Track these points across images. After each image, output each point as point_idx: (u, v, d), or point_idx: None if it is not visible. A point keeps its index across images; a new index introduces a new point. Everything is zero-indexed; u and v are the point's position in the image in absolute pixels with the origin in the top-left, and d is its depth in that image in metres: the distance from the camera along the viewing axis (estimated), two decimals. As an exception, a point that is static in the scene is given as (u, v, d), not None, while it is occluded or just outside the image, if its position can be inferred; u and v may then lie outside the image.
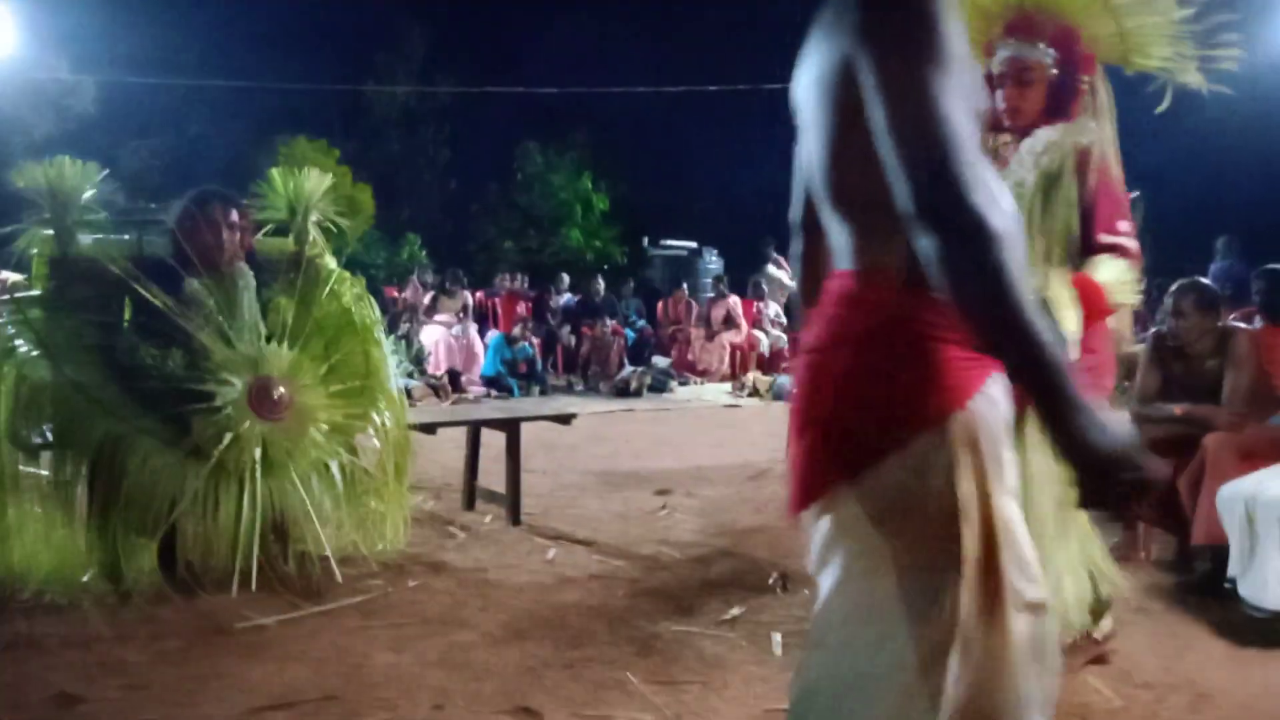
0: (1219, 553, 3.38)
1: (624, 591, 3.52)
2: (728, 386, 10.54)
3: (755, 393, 10.04)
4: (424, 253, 17.27)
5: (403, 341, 9.23)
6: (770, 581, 3.61)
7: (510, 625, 3.13)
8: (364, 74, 19.03)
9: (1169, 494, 3.73)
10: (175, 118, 16.81)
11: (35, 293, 3.48)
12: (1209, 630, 3.16)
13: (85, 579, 3.23)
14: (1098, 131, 2.68)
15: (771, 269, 12.64)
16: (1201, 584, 3.54)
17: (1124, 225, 2.66)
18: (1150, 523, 4.04)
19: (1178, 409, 3.92)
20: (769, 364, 11.34)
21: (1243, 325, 4.36)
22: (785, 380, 9.79)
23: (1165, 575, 3.85)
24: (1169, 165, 15.31)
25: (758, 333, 11.73)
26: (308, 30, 18.73)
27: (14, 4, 11.78)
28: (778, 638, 3.06)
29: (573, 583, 3.60)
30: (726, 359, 11.43)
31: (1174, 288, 4.22)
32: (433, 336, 10.15)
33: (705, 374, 11.27)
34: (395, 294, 11.99)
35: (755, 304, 12.08)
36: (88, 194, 3.54)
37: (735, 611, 3.31)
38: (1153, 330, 4.40)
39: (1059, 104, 2.69)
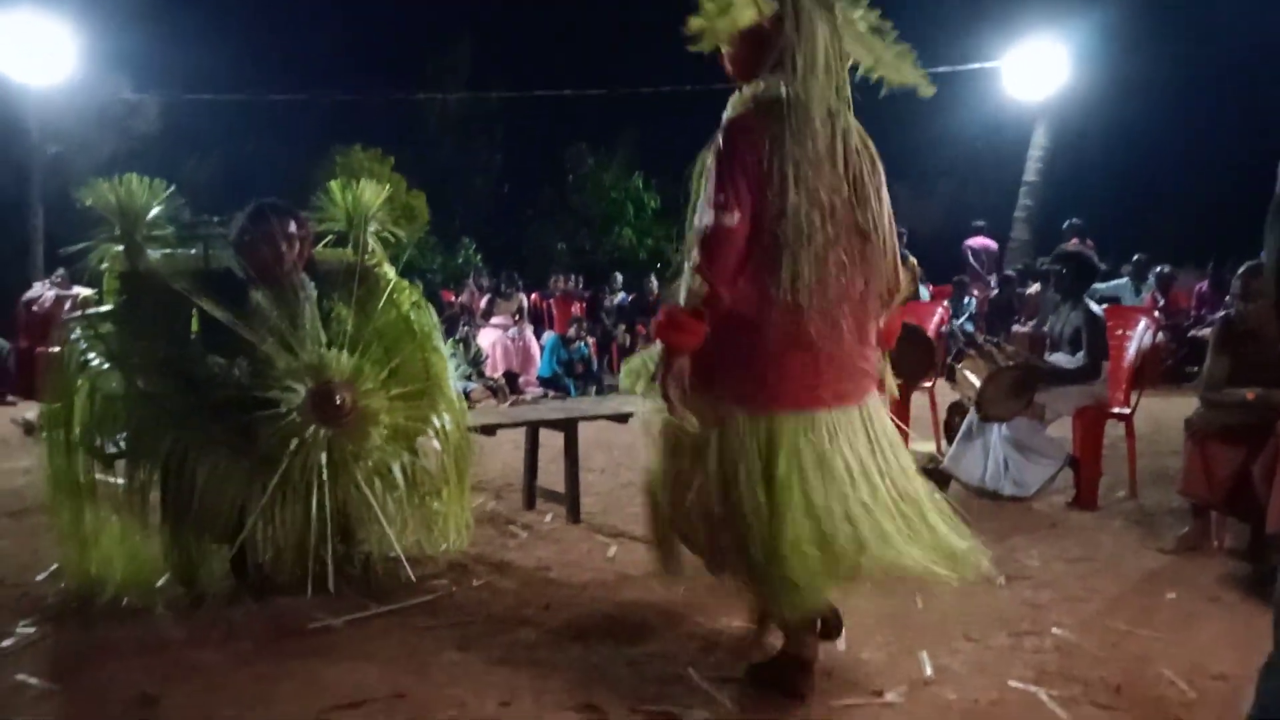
0: None
1: (685, 588, 3.52)
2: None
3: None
4: (479, 256, 17.42)
5: (460, 345, 9.34)
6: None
7: (573, 623, 3.15)
8: (415, 83, 19.25)
9: (1242, 481, 3.64)
10: (234, 133, 17.15)
11: (107, 308, 3.58)
12: (1287, 620, 3.07)
13: (160, 583, 3.33)
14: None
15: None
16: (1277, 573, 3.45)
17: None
18: (1223, 511, 3.94)
19: (1249, 394, 3.83)
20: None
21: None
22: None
23: (1239, 565, 3.75)
24: (1226, 144, 14.99)
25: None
26: (359, 43, 19.04)
27: (76, 27, 12.13)
28: (842, 633, 3.04)
29: (634, 580, 3.61)
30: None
31: (1242, 269, 4.12)
32: (489, 339, 10.26)
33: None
34: (452, 298, 12.13)
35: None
36: (155, 210, 3.63)
37: (797, 607, 3.30)
38: (1221, 314, 4.30)
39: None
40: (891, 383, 2.95)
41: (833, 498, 2.46)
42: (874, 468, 2.54)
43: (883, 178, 2.64)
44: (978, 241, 13.88)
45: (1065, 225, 12.85)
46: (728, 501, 2.49)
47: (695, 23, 2.57)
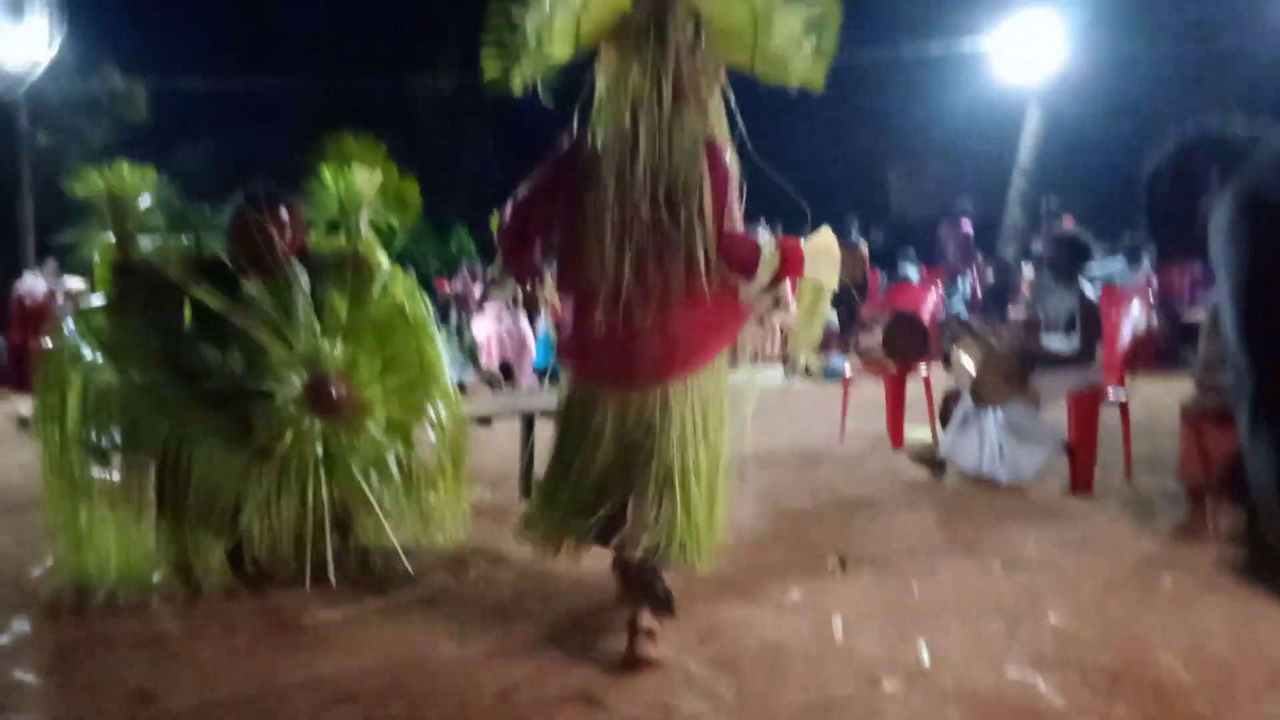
0: None
1: (683, 578, 3.52)
2: (779, 368, 10.46)
3: (808, 372, 9.96)
4: (473, 244, 17.36)
5: (455, 334, 9.32)
6: (829, 566, 3.59)
7: (571, 614, 3.15)
8: (406, 67, 19.14)
9: (1235, 465, 3.64)
10: (225, 120, 17.07)
11: (99, 300, 3.56)
12: (1283, 604, 3.09)
13: (156, 578, 3.31)
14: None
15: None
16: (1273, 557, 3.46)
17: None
18: (1219, 495, 3.95)
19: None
20: (822, 344, 11.22)
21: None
22: (838, 361, 9.71)
23: (1236, 549, 3.76)
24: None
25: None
26: (350, 27, 18.88)
27: (63, 14, 12.01)
28: (839, 621, 3.05)
29: (631, 570, 3.61)
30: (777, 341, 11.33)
31: None
32: (484, 329, 10.23)
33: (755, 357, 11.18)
34: (445, 286, 12.09)
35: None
36: (146, 198, 3.61)
37: (795, 596, 3.31)
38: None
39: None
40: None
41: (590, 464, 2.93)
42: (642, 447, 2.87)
43: (726, 184, 2.87)
44: (946, 228, 13.83)
45: (1043, 210, 12.93)
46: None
47: (493, 67, 2.93)
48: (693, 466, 2.87)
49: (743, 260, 2.87)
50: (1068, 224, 13.02)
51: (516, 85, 2.88)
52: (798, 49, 2.91)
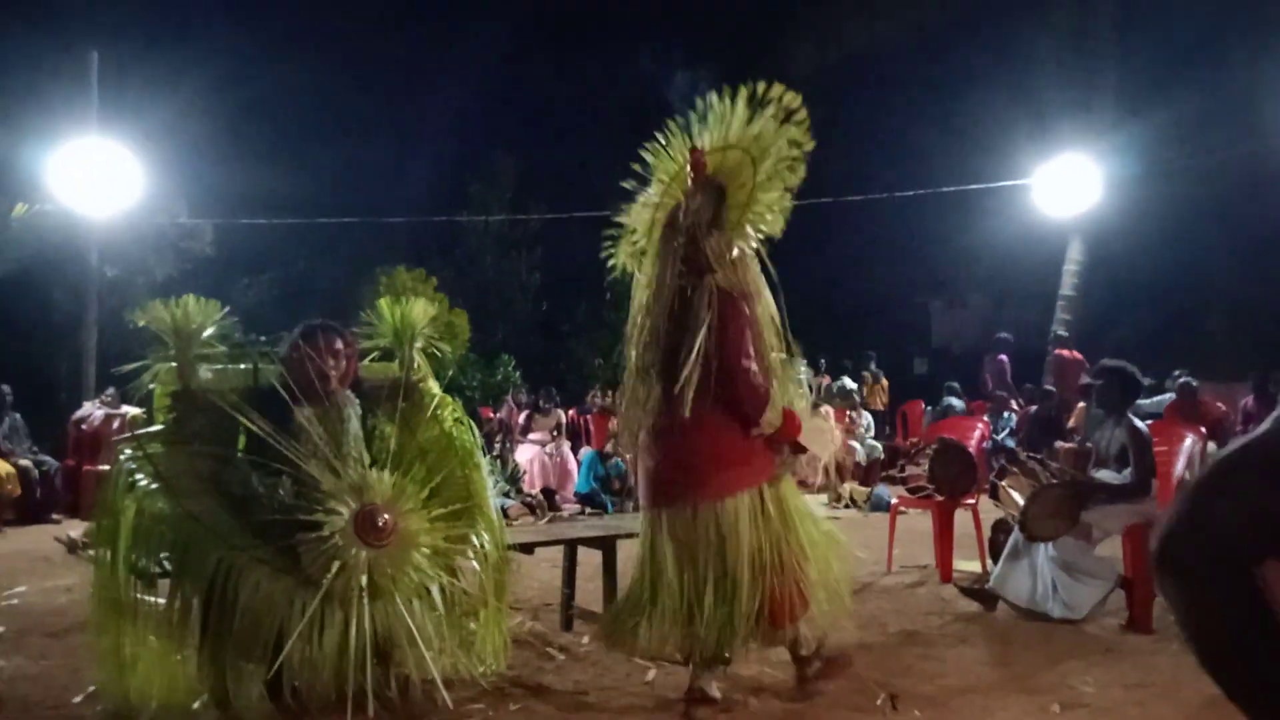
0: None
1: (726, 715, 3.44)
2: (824, 498, 10.35)
3: (852, 504, 9.85)
4: (518, 373, 17.59)
5: (499, 461, 9.37)
6: (879, 702, 3.48)
7: (612, 750, 3.08)
8: (459, 204, 19.85)
9: None
10: (283, 255, 17.68)
11: (156, 427, 3.65)
12: None
13: (196, 706, 3.29)
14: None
15: (846, 380, 12.71)
16: None
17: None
18: None
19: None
20: (865, 475, 11.12)
21: None
22: (883, 491, 9.58)
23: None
24: (1263, 258, 14.97)
25: (853, 443, 11.54)
26: (404, 164, 19.72)
27: (135, 154, 12.68)
28: (890, 764, 2.94)
29: (672, 704, 3.53)
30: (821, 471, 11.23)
31: None
32: (527, 455, 10.28)
33: (801, 485, 11.09)
34: (490, 414, 12.21)
35: (848, 413, 11.94)
36: (208, 329, 3.74)
37: (844, 734, 3.20)
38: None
39: None
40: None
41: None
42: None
43: (741, 332, 3.37)
44: (990, 359, 13.79)
45: (1050, 339, 12.92)
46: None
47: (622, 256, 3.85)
48: (746, 576, 3.32)
49: (747, 406, 3.37)
50: (1067, 352, 13.04)
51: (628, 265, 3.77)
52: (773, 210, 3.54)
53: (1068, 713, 3.46)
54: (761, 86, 3.42)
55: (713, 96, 3.44)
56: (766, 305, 3.51)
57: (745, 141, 3.44)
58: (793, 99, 3.43)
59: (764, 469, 3.46)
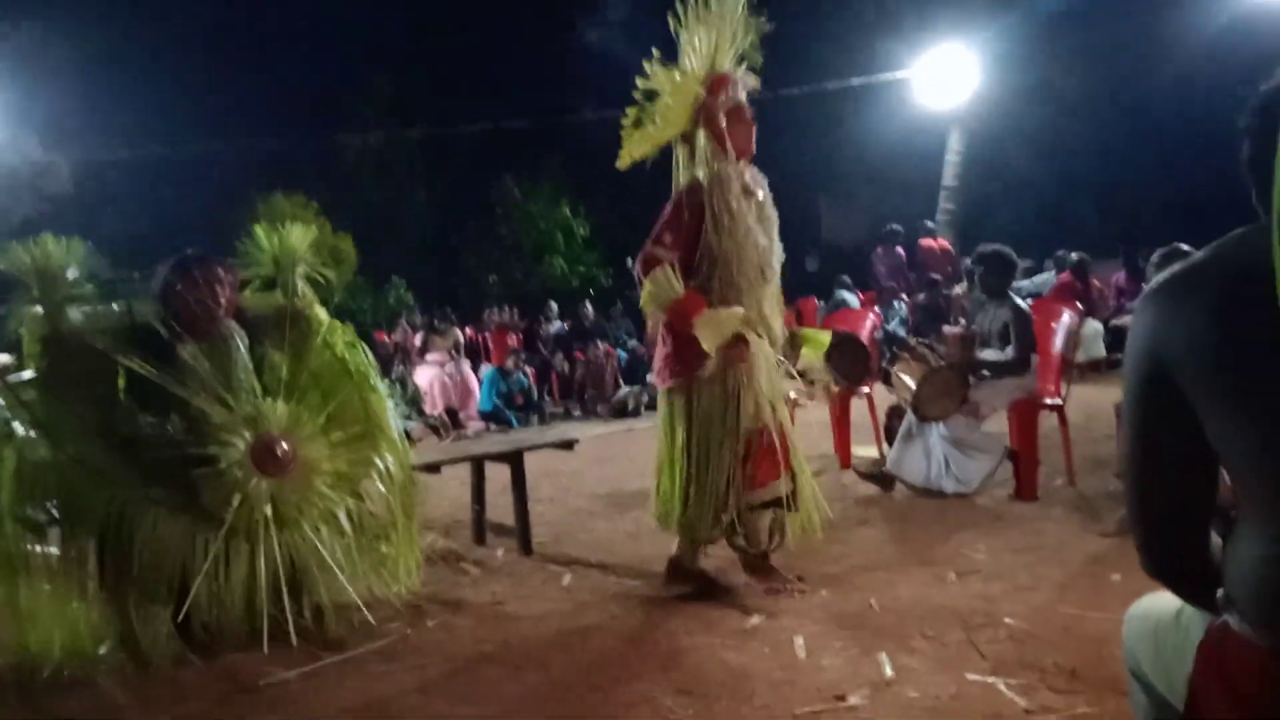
0: None
1: (643, 610, 3.53)
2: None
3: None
4: (410, 294, 17.26)
5: (397, 384, 9.24)
6: (786, 586, 3.61)
7: (534, 655, 3.13)
8: (332, 123, 19.08)
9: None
10: (150, 186, 16.80)
11: (28, 374, 3.47)
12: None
13: (103, 651, 3.22)
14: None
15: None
16: None
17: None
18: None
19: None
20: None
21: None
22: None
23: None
24: (1133, 141, 15.57)
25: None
26: (272, 87, 18.79)
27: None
28: (800, 641, 3.07)
29: (591, 606, 3.61)
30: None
31: (1156, 255, 4.27)
32: (427, 376, 10.15)
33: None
34: (385, 338, 11.99)
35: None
36: (73, 270, 3.55)
37: (755, 620, 3.32)
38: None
39: None
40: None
41: None
42: None
43: (663, 212, 3.65)
44: (879, 253, 14.03)
45: (922, 231, 13.27)
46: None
47: (631, 144, 3.74)
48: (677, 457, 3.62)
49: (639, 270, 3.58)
50: (934, 241, 13.43)
51: (641, 153, 3.74)
52: None
53: (963, 579, 3.65)
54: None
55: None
56: (745, 231, 3.57)
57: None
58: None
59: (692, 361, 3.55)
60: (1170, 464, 1.36)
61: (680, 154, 3.73)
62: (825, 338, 4.00)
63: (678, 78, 3.66)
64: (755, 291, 3.61)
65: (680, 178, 3.71)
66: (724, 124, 3.61)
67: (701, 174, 3.62)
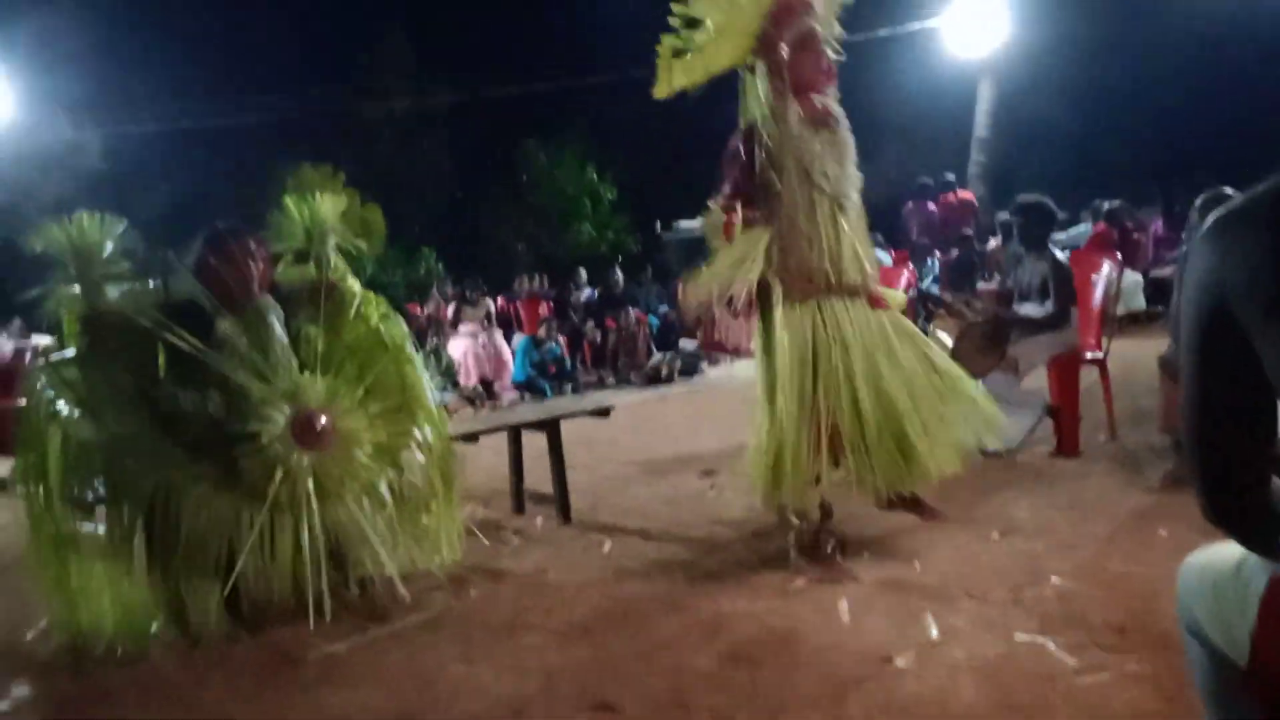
0: None
1: (685, 576, 3.52)
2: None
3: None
4: (440, 265, 17.29)
5: (431, 356, 9.28)
6: (829, 549, 3.59)
7: (577, 623, 3.14)
8: (357, 94, 19.04)
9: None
10: (180, 161, 16.90)
11: (70, 352, 3.50)
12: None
13: (154, 629, 3.26)
14: None
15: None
16: None
17: None
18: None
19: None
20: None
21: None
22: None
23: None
24: (1168, 87, 15.18)
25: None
26: (298, 58, 18.79)
27: (9, 70, 11.87)
28: (844, 604, 3.05)
29: (633, 573, 3.61)
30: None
31: (1199, 201, 4.17)
32: (460, 348, 10.18)
33: (735, 352, 11.20)
34: (417, 310, 12.02)
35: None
36: (109, 247, 3.56)
37: (799, 583, 3.31)
38: (1182, 249, 4.34)
39: None
40: None
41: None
42: None
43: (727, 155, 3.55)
44: (911, 208, 13.76)
45: (939, 184, 12.93)
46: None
47: (669, 70, 3.49)
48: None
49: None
50: (963, 195, 13.11)
51: (685, 82, 3.48)
52: None
53: (1006, 538, 3.62)
54: None
55: None
56: (804, 173, 3.44)
57: None
58: None
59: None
60: (1231, 402, 1.33)
61: (746, 85, 3.50)
62: (900, 297, 3.86)
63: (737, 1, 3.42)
64: (828, 227, 3.44)
65: (746, 114, 3.52)
66: (785, 54, 3.39)
67: (758, 114, 3.44)
